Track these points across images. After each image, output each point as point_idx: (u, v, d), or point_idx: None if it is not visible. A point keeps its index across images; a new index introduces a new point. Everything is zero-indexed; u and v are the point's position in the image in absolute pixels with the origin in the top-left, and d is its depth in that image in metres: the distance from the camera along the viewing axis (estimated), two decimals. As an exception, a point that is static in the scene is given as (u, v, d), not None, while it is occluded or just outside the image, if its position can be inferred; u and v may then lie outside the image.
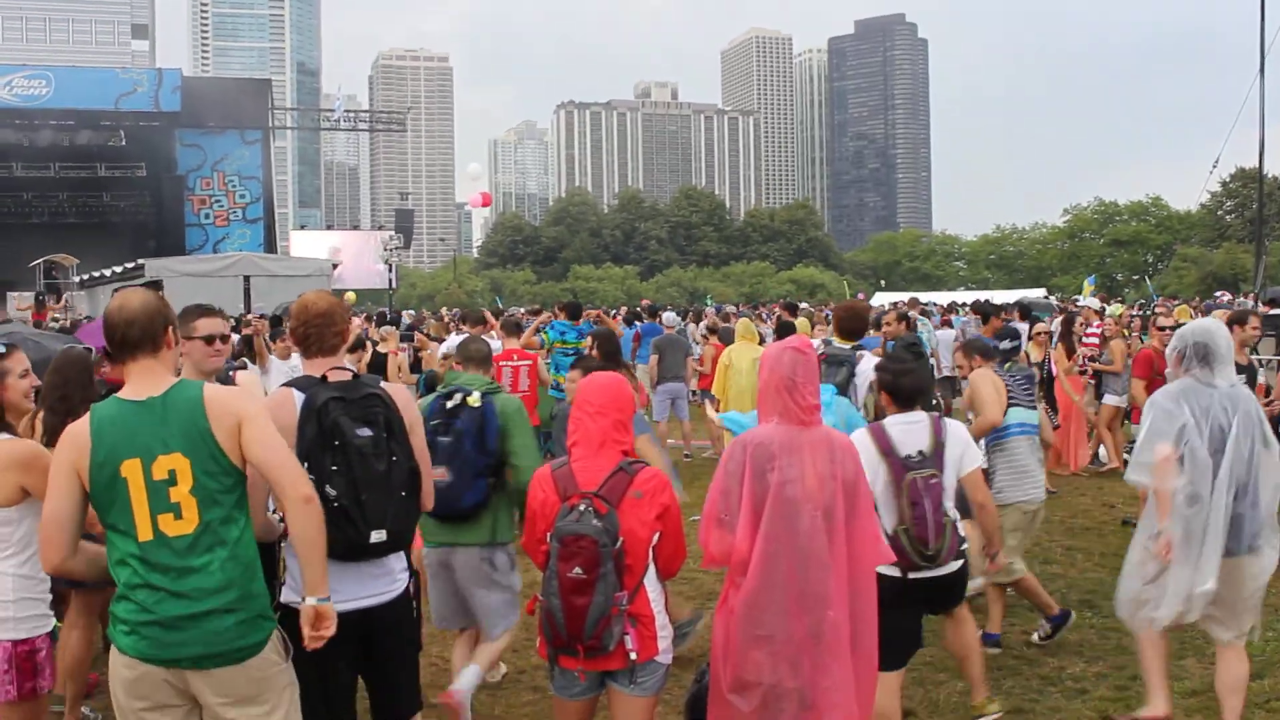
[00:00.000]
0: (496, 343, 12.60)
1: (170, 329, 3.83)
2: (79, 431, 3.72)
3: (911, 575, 5.42)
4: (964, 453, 5.68)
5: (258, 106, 58.93)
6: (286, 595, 4.25)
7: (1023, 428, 7.64)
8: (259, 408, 3.87)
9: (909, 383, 5.78)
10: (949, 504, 5.55)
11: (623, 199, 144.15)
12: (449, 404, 5.83)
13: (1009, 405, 7.58)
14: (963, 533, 5.66)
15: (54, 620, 4.46)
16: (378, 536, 4.11)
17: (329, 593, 3.87)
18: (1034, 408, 7.92)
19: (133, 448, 3.65)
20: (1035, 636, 7.51)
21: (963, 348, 8.27)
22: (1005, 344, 9.24)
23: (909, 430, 5.59)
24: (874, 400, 6.95)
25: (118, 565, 3.71)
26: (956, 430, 5.74)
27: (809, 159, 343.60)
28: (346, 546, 4.08)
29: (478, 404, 5.81)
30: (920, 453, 5.52)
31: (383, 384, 4.41)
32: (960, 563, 5.62)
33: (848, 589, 4.31)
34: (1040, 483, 7.75)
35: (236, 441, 3.73)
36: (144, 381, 3.77)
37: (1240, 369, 11.67)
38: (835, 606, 4.25)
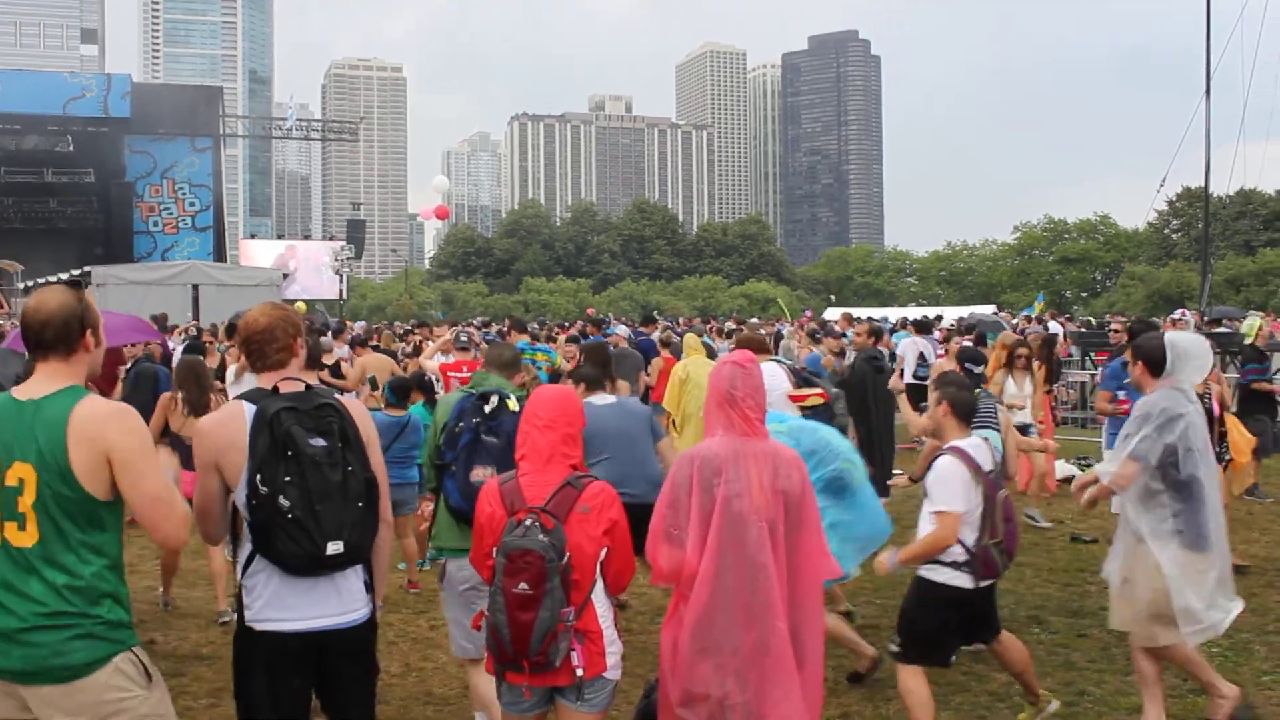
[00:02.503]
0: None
1: (89, 332, 3.70)
2: None
3: (982, 584, 5.66)
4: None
5: (209, 114, 58.43)
6: (249, 616, 4.13)
7: None
8: (134, 439, 3.68)
9: (970, 399, 6.04)
10: None
11: (576, 212, 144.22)
12: (486, 406, 5.76)
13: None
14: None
15: None
16: (334, 548, 4.00)
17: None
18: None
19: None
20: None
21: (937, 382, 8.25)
22: (978, 368, 9.25)
23: (979, 450, 5.77)
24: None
25: None
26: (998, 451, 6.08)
27: (762, 174, 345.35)
28: (303, 559, 3.98)
29: (518, 409, 5.75)
30: (993, 471, 5.78)
31: (338, 396, 4.35)
32: None
33: (790, 602, 4.30)
34: None
35: (102, 469, 3.57)
36: (42, 381, 3.64)
37: None
38: (781, 618, 4.25)
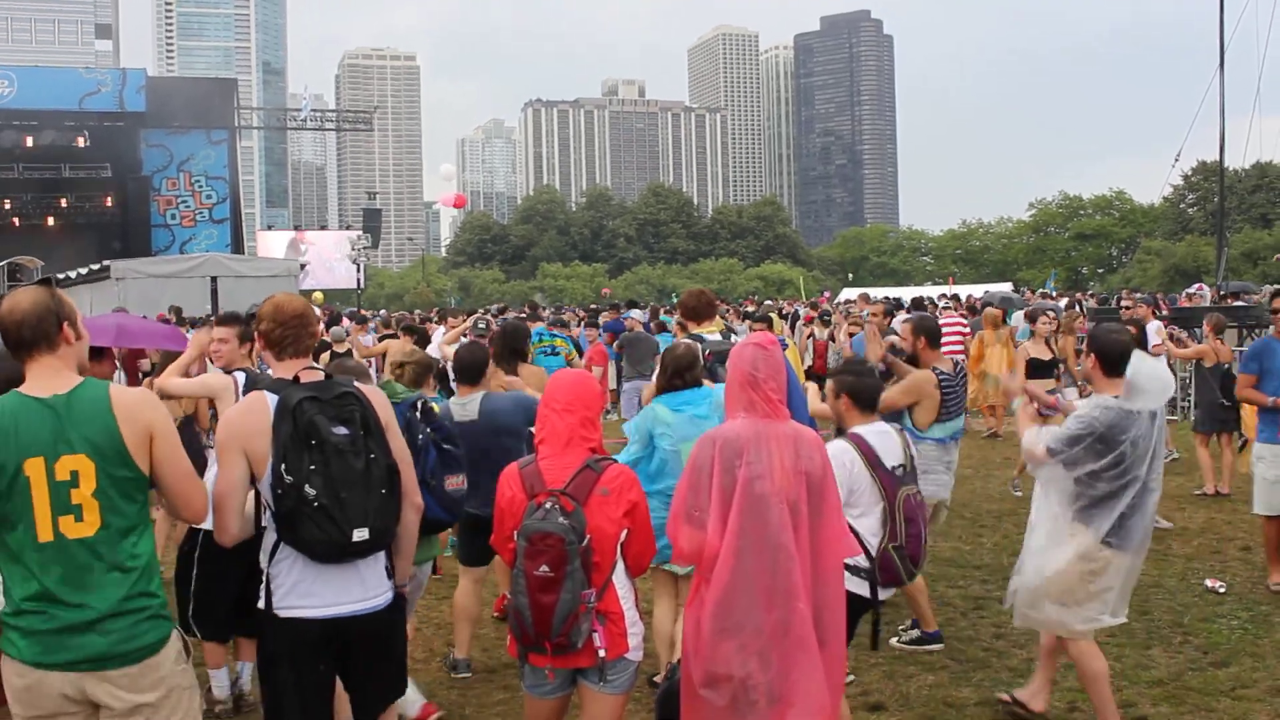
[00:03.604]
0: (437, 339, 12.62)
1: (66, 325, 3.72)
2: None
3: (881, 595, 5.29)
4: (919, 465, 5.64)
5: (223, 106, 58.56)
6: (273, 603, 4.19)
7: (939, 440, 7.56)
8: (168, 421, 3.80)
9: (873, 385, 5.66)
10: None
11: (590, 197, 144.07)
12: (417, 414, 5.81)
13: (936, 419, 7.51)
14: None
15: None
16: (360, 535, 4.06)
17: None
18: (958, 416, 7.75)
19: (37, 445, 3.56)
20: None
21: (913, 327, 8.05)
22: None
23: (883, 440, 5.42)
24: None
25: (12, 566, 3.63)
26: (912, 442, 5.71)
27: (776, 155, 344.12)
28: (329, 546, 4.04)
29: (440, 411, 5.86)
30: (902, 466, 5.40)
31: (356, 384, 4.39)
32: None
33: (812, 583, 4.32)
34: (944, 484, 7.63)
35: (146, 447, 3.68)
36: (45, 379, 3.68)
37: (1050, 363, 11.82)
38: (803, 599, 4.27)
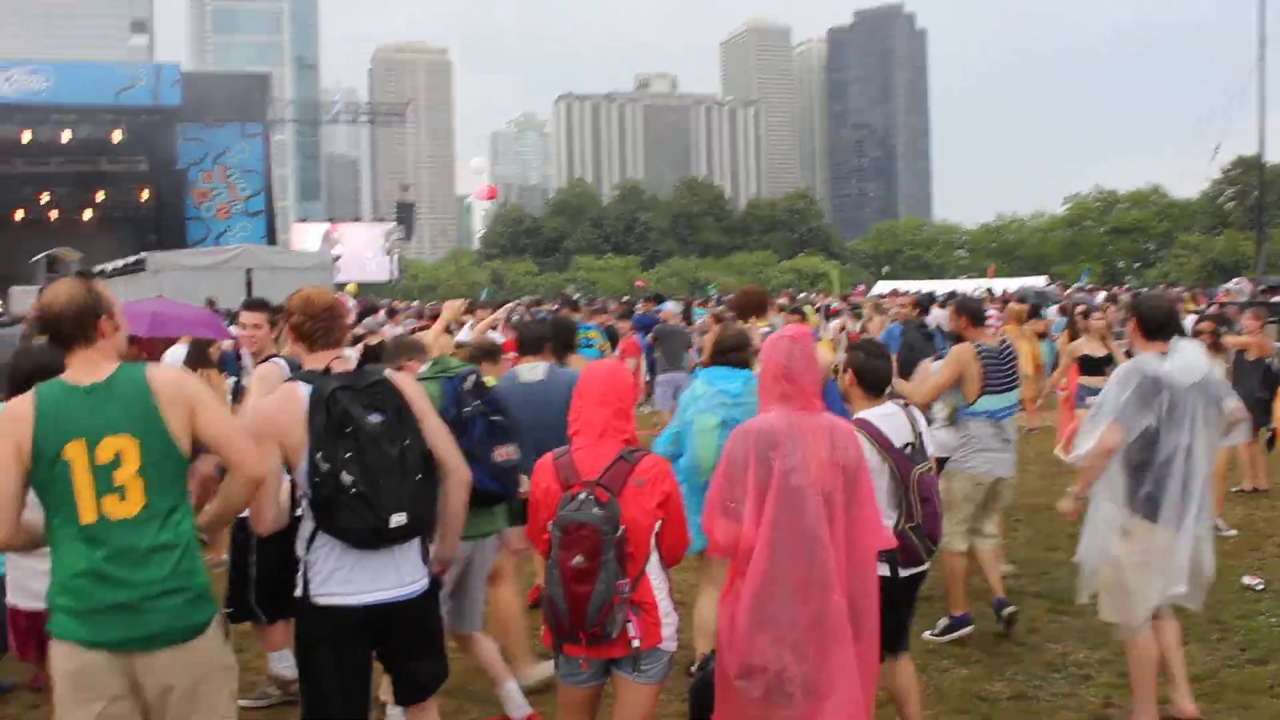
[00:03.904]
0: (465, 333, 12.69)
1: (102, 319, 3.79)
2: (21, 411, 3.69)
3: (903, 573, 5.30)
4: (929, 441, 5.61)
5: (258, 100, 58.80)
6: (310, 590, 4.25)
7: (989, 414, 7.53)
8: (208, 392, 3.89)
9: (882, 368, 5.60)
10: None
11: (623, 190, 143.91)
12: (466, 385, 5.86)
13: (982, 392, 7.51)
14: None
15: None
16: (397, 520, 4.11)
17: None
18: (1011, 390, 7.71)
19: (77, 429, 3.64)
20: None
21: (956, 308, 8.20)
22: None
23: (890, 421, 5.41)
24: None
25: (58, 548, 3.70)
26: (922, 418, 5.66)
27: (809, 149, 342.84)
28: (367, 533, 4.10)
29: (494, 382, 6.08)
30: (911, 445, 5.39)
31: (387, 371, 4.43)
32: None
33: (847, 574, 4.32)
34: (1001, 461, 7.57)
35: (188, 426, 3.75)
36: (84, 369, 3.75)
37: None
38: (838, 591, 4.26)
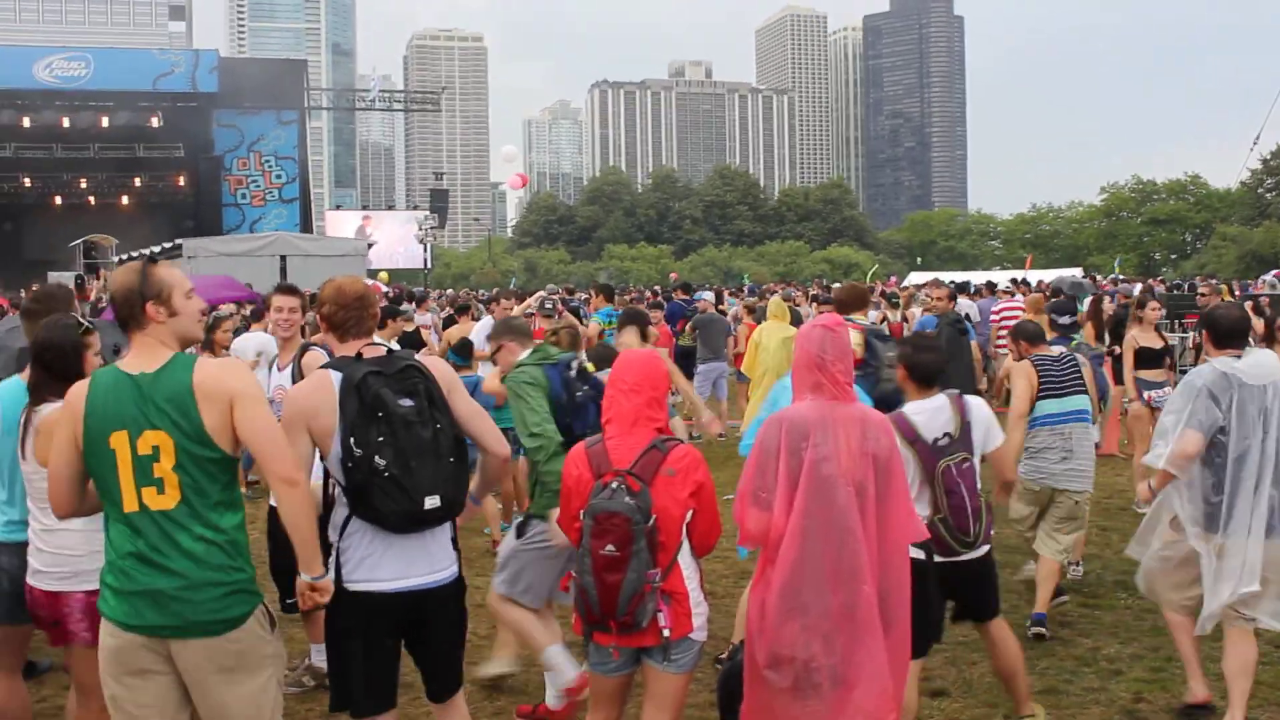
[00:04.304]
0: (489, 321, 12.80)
1: (149, 304, 3.84)
2: (77, 395, 3.81)
3: (938, 559, 5.34)
4: (988, 431, 5.60)
5: (293, 87, 59.15)
6: (344, 576, 4.26)
7: (1048, 419, 7.49)
8: (253, 387, 3.92)
9: (930, 361, 5.68)
10: (979, 485, 5.50)
11: (657, 178, 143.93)
12: (571, 372, 6.05)
13: (1038, 397, 7.47)
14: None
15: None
16: (431, 502, 4.12)
17: (321, 570, 4.00)
18: (1071, 395, 7.61)
19: (121, 419, 3.72)
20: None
21: (1011, 333, 8.24)
22: (1064, 319, 9.15)
23: (932, 414, 5.48)
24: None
25: (108, 531, 3.82)
26: (979, 408, 5.66)
27: (844, 138, 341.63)
28: (402, 516, 4.12)
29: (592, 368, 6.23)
30: (948, 435, 5.43)
31: (418, 356, 4.46)
32: (988, 547, 5.58)
33: (879, 565, 4.32)
34: (1055, 472, 7.50)
35: (228, 422, 3.79)
36: (141, 354, 3.84)
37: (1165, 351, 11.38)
38: (869, 582, 4.26)
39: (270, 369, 7.20)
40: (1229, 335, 5.81)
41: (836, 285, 37.17)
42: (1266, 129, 27.15)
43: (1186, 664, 6.02)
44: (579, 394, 5.78)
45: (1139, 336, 11.41)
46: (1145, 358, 11.13)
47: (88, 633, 4.49)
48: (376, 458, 4.06)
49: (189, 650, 3.75)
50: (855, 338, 7.25)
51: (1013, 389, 7.65)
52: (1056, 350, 7.79)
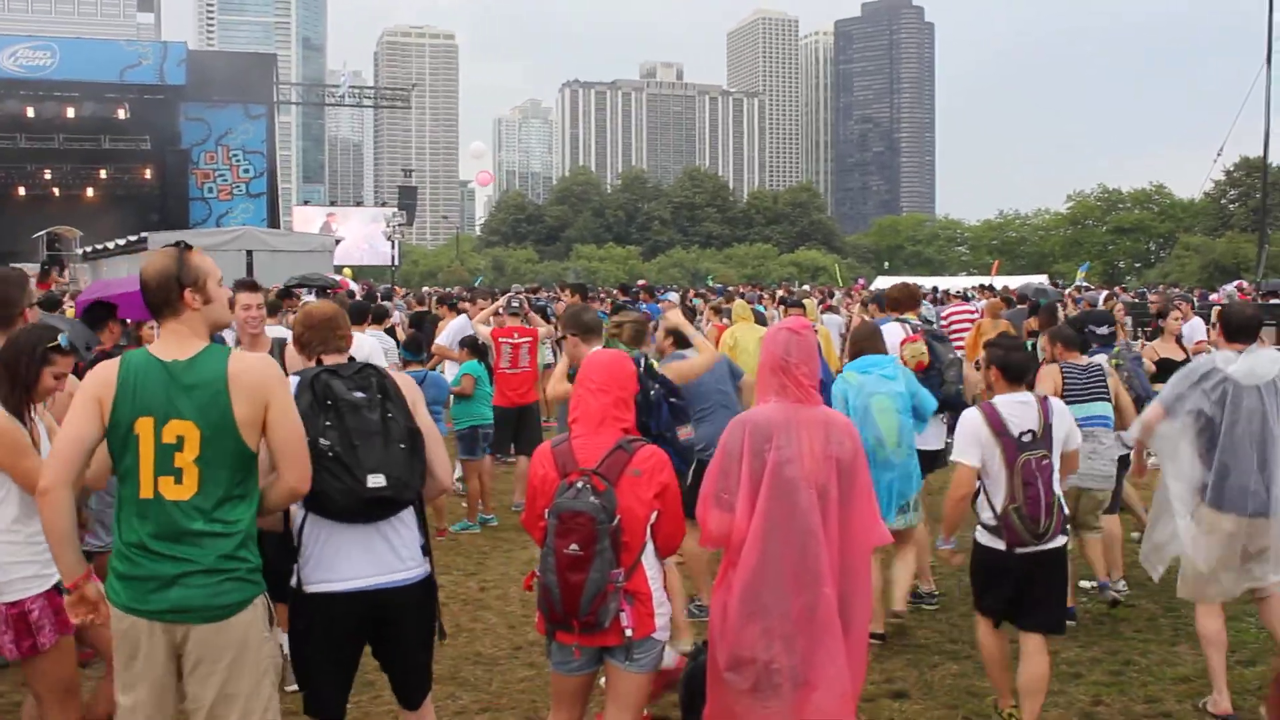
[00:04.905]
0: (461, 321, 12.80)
1: (187, 291, 3.85)
2: (108, 374, 3.77)
3: (1018, 550, 5.59)
4: (1069, 432, 5.86)
5: (263, 81, 58.84)
6: (302, 578, 4.23)
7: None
8: (285, 385, 3.97)
9: (1019, 359, 5.99)
10: (1057, 483, 5.71)
11: (626, 179, 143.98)
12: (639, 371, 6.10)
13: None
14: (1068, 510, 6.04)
15: (54, 577, 4.42)
16: (375, 480, 4.08)
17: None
18: (1092, 401, 7.81)
19: (149, 405, 3.72)
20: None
21: (1049, 335, 8.46)
22: (1103, 329, 9.24)
23: (1020, 410, 5.73)
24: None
25: (120, 515, 3.81)
26: (1061, 410, 5.88)
27: (813, 142, 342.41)
28: (346, 495, 4.07)
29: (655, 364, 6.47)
30: (1032, 433, 5.67)
31: (379, 366, 4.47)
32: (1064, 539, 5.78)
33: (840, 567, 4.34)
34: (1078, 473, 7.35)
35: (258, 422, 3.81)
36: (172, 342, 3.84)
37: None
38: (830, 584, 4.29)
39: None
40: (1238, 330, 6.22)
41: (805, 287, 37.32)
42: (1230, 142, 27.40)
43: (1215, 677, 6.15)
44: (651, 393, 5.83)
45: (1159, 348, 10.98)
46: (1167, 370, 10.81)
47: (13, 645, 4.41)
48: (321, 439, 4.05)
49: (191, 635, 3.76)
50: (916, 347, 8.11)
51: (1037, 389, 7.87)
52: (1085, 360, 8.00)
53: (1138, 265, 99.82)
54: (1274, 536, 5.90)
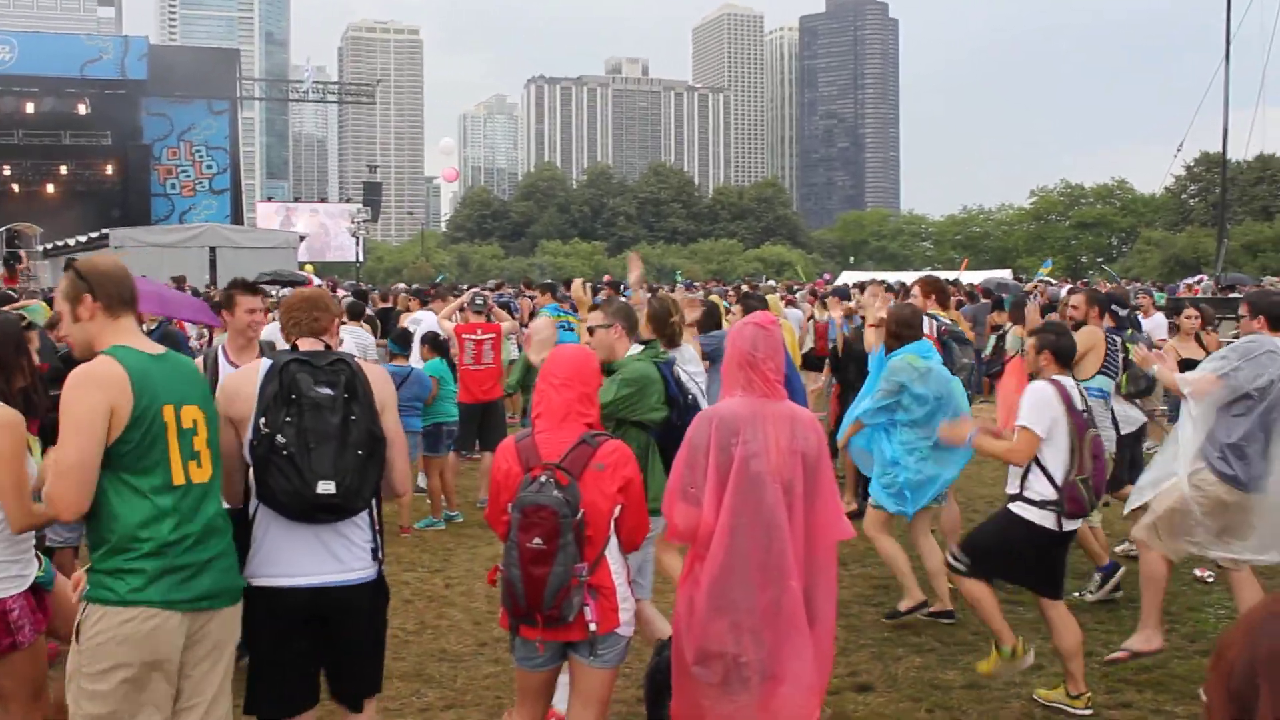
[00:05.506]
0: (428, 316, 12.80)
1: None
2: (114, 372, 3.70)
3: (1066, 527, 5.84)
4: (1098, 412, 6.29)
5: (225, 76, 58.54)
6: (249, 571, 4.17)
7: (1099, 393, 8.08)
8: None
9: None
10: None
11: (591, 175, 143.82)
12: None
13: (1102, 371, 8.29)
14: None
15: (33, 576, 4.46)
16: (325, 487, 4.02)
17: None
18: (1109, 375, 8.40)
19: (168, 393, 3.79)
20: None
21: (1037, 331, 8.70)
22: (1123, 310, 9.69)
23: (1074, 390, 6.03)
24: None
25: (144, 505, 3.72)
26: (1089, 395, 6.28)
27: (778, 137, 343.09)
28: (294, 497, 4.02)
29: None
30: (1087, 411, 5.97)
31: (358, 359, 4.42)
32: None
33: (805, 561, 4.36)
34: None
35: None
36: (138, 339, 3.93)
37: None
38: (795, 578, 4.30)
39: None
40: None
41: (771, 282, 37.35)
42: (1190, 138, 27.64)
43: (1147, 614, 6.57)
44: (689, 396, 5.97)
45: (1179, 347, 10.70)
46: (1186, 369, 10.67)
47: None
48: (278, 436, 4.02)
49: (215, 620, 3.86)
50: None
51: (1080, 336, 8.37)
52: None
53: (1100, 260, 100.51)
54: (1258, 517, 6.14)
